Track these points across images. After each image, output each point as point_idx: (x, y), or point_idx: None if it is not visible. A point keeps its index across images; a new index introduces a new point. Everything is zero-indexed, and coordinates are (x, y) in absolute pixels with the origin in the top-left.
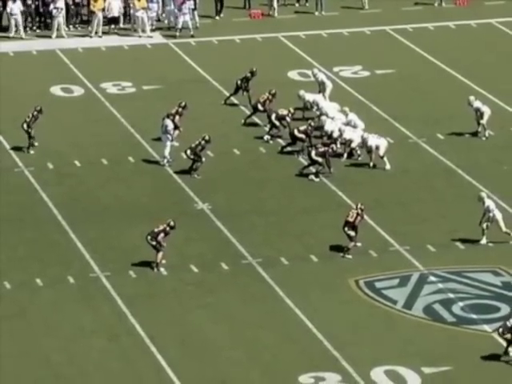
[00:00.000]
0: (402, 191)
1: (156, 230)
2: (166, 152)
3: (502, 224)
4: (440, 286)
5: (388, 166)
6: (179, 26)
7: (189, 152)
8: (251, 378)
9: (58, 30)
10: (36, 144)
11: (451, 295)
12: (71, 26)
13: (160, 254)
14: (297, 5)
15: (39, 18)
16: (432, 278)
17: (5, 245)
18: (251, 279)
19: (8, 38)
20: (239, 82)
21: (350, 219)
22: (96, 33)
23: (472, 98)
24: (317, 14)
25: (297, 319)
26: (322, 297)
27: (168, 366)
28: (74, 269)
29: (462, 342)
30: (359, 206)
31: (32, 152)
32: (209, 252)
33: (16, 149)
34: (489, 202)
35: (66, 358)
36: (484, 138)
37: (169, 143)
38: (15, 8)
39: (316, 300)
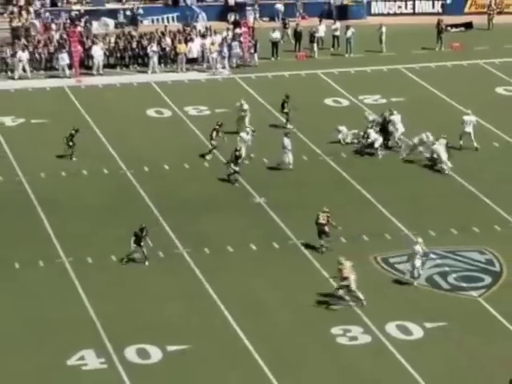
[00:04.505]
0: (411, 190)
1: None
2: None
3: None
4: (438, 261)
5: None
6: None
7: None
8: (294, 330)
9: (152, 67)
10: (74, 158)
11: (447, 268)
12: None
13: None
14: (332, 49)
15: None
16: (432, 256)
17: (109, 226)
18: (296, 255)
19: (93, 75)
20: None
21: (323, 221)
22: (181, 69)
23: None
24: (347, 56)
25: (330, 286)
26: None
27: (233, 321)
28: (162, 246)
29: (454, 304)
30: (325, 209)
31: (74, 159)
32: (264, 235)
33: (121, 155)
34: None
35: (158, 315)
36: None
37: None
38: (98, 50)
39: None
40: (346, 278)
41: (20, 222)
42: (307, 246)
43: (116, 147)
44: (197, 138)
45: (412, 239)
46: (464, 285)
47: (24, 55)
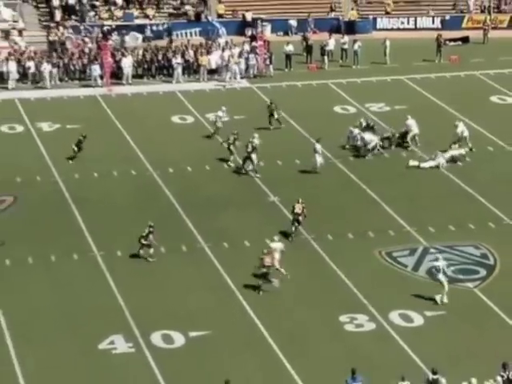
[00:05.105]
0: (412, 189)
1: (144, 234)
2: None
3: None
4: (437, 255)
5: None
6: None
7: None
8: (305, 317)
9: (177, 77)
10: (72, 160)
11: (445, 262)
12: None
13: (151, 250)
14: (340, 61)
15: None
16: (432, 250)
17: (137, 222)
18: (307, 250)
19: (123, 84)
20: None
21: (298, 211)
22: (203, 79)
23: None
24: (354, 67)
25: (338, 278)
26: (355, 262)
27: (250, 309)
28: (185, 241)
29: (452, 294)
30: (301, 200)
31: (71, 162)
32: (277, 230)
33: (148, 158)
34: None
35: (181, 304)
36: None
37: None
38: (127, 62)
39: (352, 265)
40: (267, 266)
41: (56, 219)
42: (318, 240)
43: (143, 150)
44: (217, 142)
45: (433, 256)
46: (461, 277)
47: (48, 67)
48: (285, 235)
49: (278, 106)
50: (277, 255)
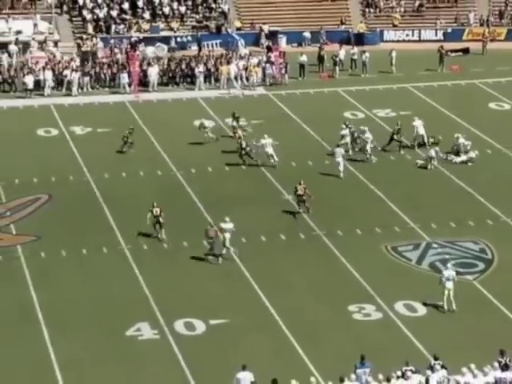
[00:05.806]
0: (416, 189)
1: (157, 214)
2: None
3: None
4: (439, 250)
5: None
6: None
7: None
8: (317, 307)
9: (199, 85)
10: (125, 150)
11: (446, 256)
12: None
13: (163, 230)
14: (350, 70)
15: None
16: (434, 245)
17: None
18: (319, 244)
19: (149, 91)
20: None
21: (301, 193)
22: (223, 87)
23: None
24: (362, 76)
25: (347, 270)
26: (363, 256)
27: (265, 298)
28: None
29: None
30: (302, 182)
31: (125, 149)
32: (292, 226)
33: (172, 159)
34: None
35: (202, 293)
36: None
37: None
38: (153, 71)
39: (360, 258)
40: (211, 237)
41: (87, 215)
42: (329, 236)
43: (168, 152)
44: (235, 145)
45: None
46: (461, 270)
47: (76, 76)
48: (291, 214)
49: (293, 110)
50: (227, 235)
